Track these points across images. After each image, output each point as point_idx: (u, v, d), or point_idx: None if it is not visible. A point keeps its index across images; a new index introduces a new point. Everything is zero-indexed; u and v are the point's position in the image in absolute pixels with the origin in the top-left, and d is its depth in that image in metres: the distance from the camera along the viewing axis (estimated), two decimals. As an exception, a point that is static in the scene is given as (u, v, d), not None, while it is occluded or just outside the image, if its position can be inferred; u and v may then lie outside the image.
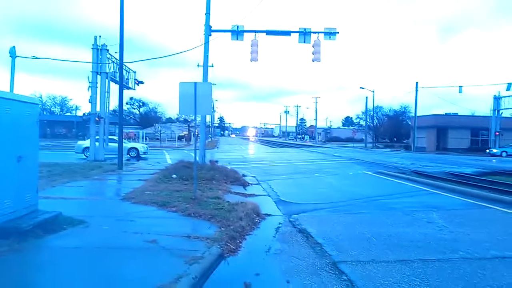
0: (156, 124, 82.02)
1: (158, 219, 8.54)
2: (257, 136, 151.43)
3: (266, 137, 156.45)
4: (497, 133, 49.67)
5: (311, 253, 6.71)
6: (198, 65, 36.93)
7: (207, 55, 19.27)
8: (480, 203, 11.93)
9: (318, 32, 20.58)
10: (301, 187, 15.78)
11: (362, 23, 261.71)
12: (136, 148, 30.09)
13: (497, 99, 50.22)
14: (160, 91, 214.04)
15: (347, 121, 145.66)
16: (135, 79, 28.70)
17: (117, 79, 22.78)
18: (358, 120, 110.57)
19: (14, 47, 24.44)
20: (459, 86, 47.38)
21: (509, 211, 10.77)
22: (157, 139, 64.90)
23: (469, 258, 6.47)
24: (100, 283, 4.95)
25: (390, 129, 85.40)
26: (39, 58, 24.42)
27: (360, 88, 70.53)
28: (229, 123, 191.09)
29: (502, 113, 51.72)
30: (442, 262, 6.20)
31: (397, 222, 9.24)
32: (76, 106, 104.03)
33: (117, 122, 23.17)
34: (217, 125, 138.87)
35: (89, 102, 23.95)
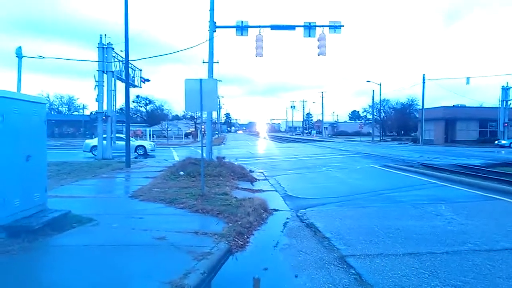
0: (163, 122, 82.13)
1: (166, 216, 8.58)
2: (268, 132, 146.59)
3: (273, 132, 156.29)
4: (506, 124, 49.22)
5: (319, 248, 6.71)
6: (203, 62, 37.17)
7: (212, 51, 19.24)
8: (489, 195, 11.85)
9: (323, 26, 20.45)
10: (309, 181, 15.76)
11: (367, 16, 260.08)
12: (143, 146, 30.23)
13: (505, 89, 49.77)
14: (166, 89, 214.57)
15: (354, 115, 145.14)
16: (141, 77, 28.76)
17: (123, 77, 22.87)
18: (365, 113, 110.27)
19: (20, 47, 24.57)
20: (467, 78, 47.22)
21: (519, 202, 10.68)
22: (164, 136, 65.16)
23: (478, 250, 6.43)
24: (110, 279, 5.00)
25: (398, 122, 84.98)
26: (46, 58, 24.54)
27: (367, 81, 70.28)
28: (236, 119, 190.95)
29: (510, 104, 51.19)
30: (451, 255, 6.18)
31: (405, 215, 9.21)
32: (83, 105, 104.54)
33: (124, 121, 23.26)
34: (223, 121, 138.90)
35: (96, 101, 24.06)
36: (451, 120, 55.83)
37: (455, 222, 8.44)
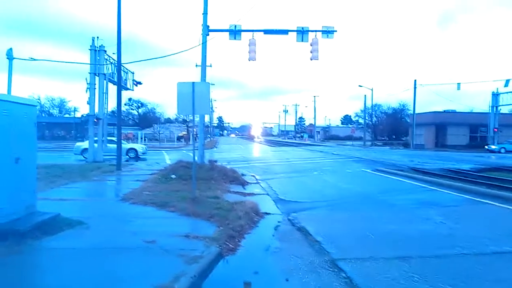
0: (155, 125, 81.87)
1: (157, 219, 8.55)
2: (263, 136, 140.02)
3: (265, 136, 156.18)
4: (496, 130, 49.66)
5: (310, 251, 6.72)
6: (196, 65, 37.01)
7: (205, 55, 19.25)
8: (478, 199, 11.96)
9: (316, 31, 20.55)
10: (300, 185, 15.80)
11: (360, 21, 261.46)
12: (135, 149, 30.08)
13: (495, 95, 50.19)
14: (159, 92, 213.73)
15: (346, 119, 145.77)
16: (133, 80, 28.64)
17: (115, 80, 22.77)
18: (356, 118, 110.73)
19: (11, 49, 24.38)
20: (457, 83, 47.46)
21: (507, 206, 10.79)
22: (156, 139, 64.89)
23: (467, 254, 6.49)
24: (99, 283, 4.96)
25: (389, 127, 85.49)
26: (37, 60, 24.34)
27: (359, 86, 70.29)
28: (228, 123, 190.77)
29: (500, 109, 51.67)
30: (440, 258, 6.23)
31: (395, 219, 9.26)
32: (75, 108, 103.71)
33: (115, 123, 23.14)
34: (216, 125, 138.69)
35: (88, 103, 23.92)
36: (441, 125, 56.33)
37: (444, 226, 8.51)
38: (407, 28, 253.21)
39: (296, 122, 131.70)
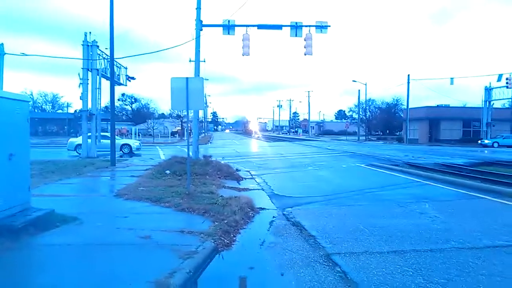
0: (149, 120, 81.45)
1: (152, 214, 8.53)
2: (261, 132, 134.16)
3: (260, 131, 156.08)
4: (489, 124, 50.01)
5: (305, 246, 6.74)
6: (190, 60, 37.02)
7: (199, 50, 19.18)
8: (472, 194, 12.03)
9: (310, 26, 20.55)
10: (295, 180, 15.81)
11: (353, 16, 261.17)
12: (129, 145, 29.99)
13: (488, 90, 50.50)
14: (152, 87, 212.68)
15: (340, 114, 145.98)
16: (126, 75, 28.49)
17: (108, 75, 22.63)
18: (351, 113, 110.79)
19: (2, 44, 24.12)
20: (451, 78, 47.82)
21: (501, 200, 10.87)
22: (150, 135, 64.66)
23: (461, 247, 6.53)
24: (94, 279, 4.94)
25: (383, 122, 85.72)
26: (29, 55, 24.17)
27: (353, 81, 70.78)
28: (222, 118, 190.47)
29: (493, 104, 52.03)
30: (435, 252, 6.26)
31: (390, 214, 9.30)
32: (68, 103, 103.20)
33: (109, 119, 23.03)
34: (210, 120, 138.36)
35: (81, 99, 23.79)
36: (435, 120, 56.64)
37: (438, 220, 8.56)
38: (401, 23, 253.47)
39: (290, 117, 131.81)
